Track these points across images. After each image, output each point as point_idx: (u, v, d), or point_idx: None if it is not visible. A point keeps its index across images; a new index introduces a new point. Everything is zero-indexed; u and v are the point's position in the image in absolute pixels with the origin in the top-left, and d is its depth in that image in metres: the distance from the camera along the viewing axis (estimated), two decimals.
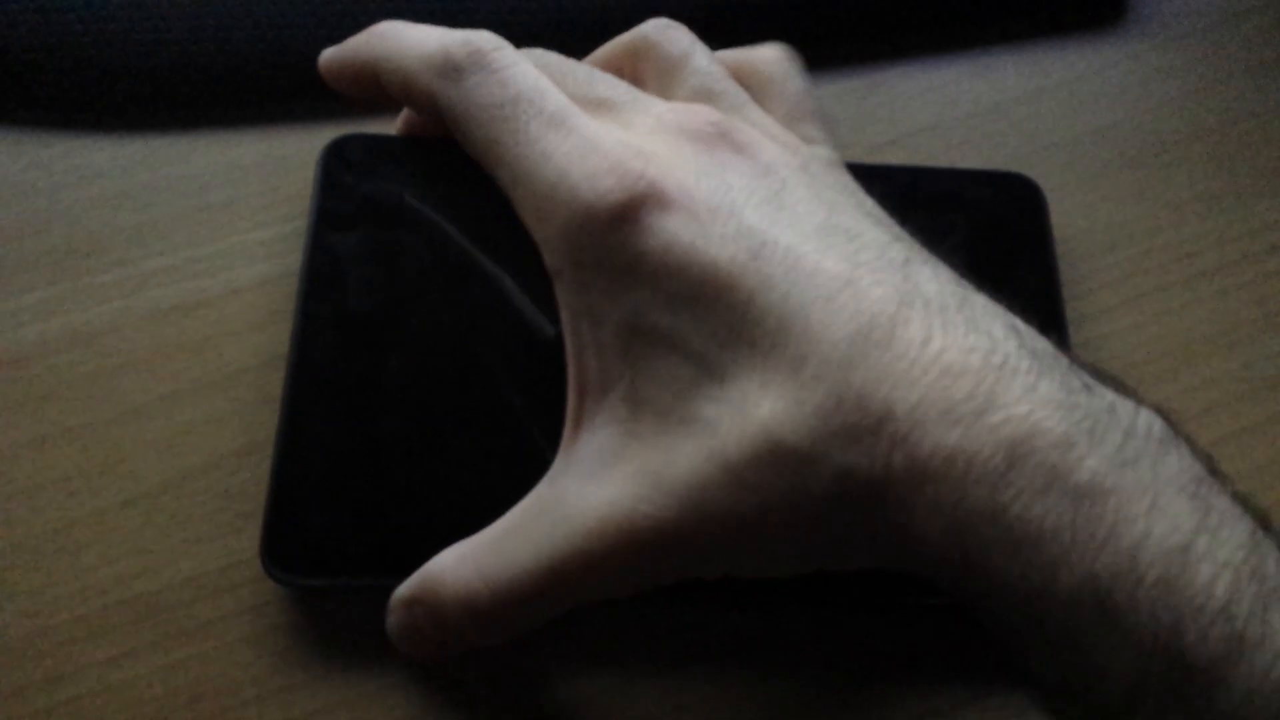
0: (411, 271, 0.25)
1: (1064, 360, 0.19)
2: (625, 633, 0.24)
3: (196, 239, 0.28)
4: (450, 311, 0.25)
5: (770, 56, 0.25)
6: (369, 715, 0.23)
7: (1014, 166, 0.30)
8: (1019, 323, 0.20)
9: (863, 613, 0.25)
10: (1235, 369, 0.28)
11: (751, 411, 0.19)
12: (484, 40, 0.23)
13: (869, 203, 0.23)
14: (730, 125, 0.22)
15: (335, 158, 0.27)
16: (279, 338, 0.26)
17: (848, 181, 0.23)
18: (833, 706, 0.24)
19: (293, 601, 0.24)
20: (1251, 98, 0.33)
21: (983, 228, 0.28)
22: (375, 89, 0.25)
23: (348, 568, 0.23)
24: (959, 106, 0.32)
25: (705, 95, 0.24)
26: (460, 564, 0.21)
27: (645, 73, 0.25)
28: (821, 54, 0.32)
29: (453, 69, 0.23)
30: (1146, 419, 0.18)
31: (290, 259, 0.28)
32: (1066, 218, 0.30)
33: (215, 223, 0.28)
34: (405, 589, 0.22)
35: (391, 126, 0.27)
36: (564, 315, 0.22)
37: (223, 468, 0.25)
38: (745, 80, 0.25)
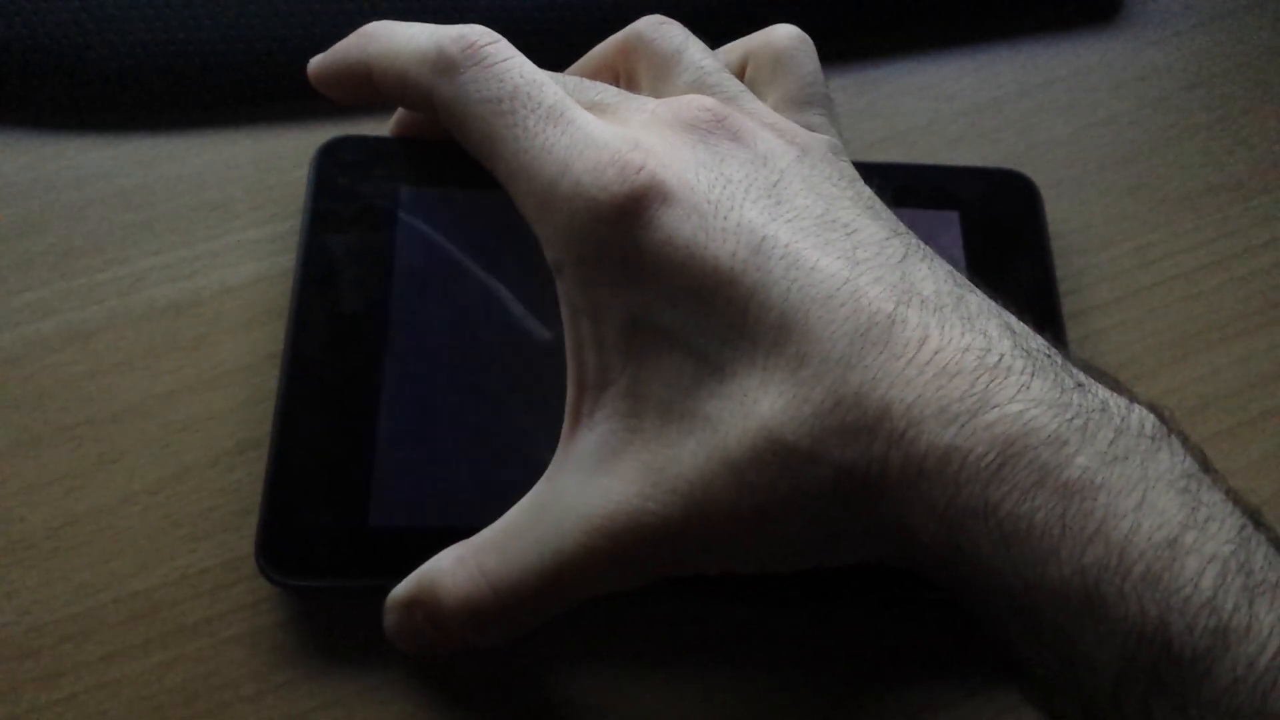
0: (405, 272, 0.25)
1: (1058, 358, 0.19)
2: (622, 627, 0.24)
3: (191, 238, 0.28)
4: (444, 311, 0.25)
5: (784, 36, 0.25)
6: (365, 712, 0.23)
7: (1010, 163, 0.30)
8: (1014, 321, 0.20)
9: (860, 607, 0.25)
10: (1231, 363, 0.28)
11: (752, 409, 0.19)
12: (478, 35, 0.23)
13: (867, 193, 0.23)
14: (725, 112, 0.22)
15: (329, 159, 0.27)
16: (274, 336, 0.27)
17: (846, 170, 0.23)
18: (830, 701, 0.24)
19: (288, 599, 0.24)
20: (1245, 93, 0.33)
21: (979, 225, 0.28)
22: (368, 92, 0.25)
23: (342, 569, 0.23)
24: (955, 103, 0.32)
25: (700, 88, 0.24)
26: (460, 565, 0.21)
27: (639, 70, 0.25)
28: (818, 51, 0.32)
29: (448, 65, 0.23)
30: (1139, 416, 0.18)
31: (285, 257, 0.28)
32: (1062, 214, 0.30)
33: (210, 222, 0.28)
34: (403, 590, 0.22)
35: (385, 127, 0.27)
36: (564, 311, 0.22)
37: (218, 465, 0.25)
38: (756, 58, 0.25)
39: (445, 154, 0.25)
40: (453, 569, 0.21)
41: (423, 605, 0.22)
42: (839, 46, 0.32)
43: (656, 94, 0.24)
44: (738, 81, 0.24)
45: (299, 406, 0.24)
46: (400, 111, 0.27)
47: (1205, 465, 0.18)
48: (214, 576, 0.24)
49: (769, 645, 0.24)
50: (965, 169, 0.29)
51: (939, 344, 0.19)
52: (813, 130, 0.24)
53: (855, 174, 0.23)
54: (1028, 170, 0.29)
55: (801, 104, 0.24)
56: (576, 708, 0.24)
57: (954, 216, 0.28)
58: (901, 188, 0.28)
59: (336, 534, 0.23)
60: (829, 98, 0.25)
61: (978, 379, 0.18)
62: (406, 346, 0.25)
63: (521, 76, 0.22)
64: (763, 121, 0.23)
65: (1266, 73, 0.33)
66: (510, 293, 0.25)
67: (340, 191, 0.26)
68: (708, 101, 0.22)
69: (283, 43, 0.30)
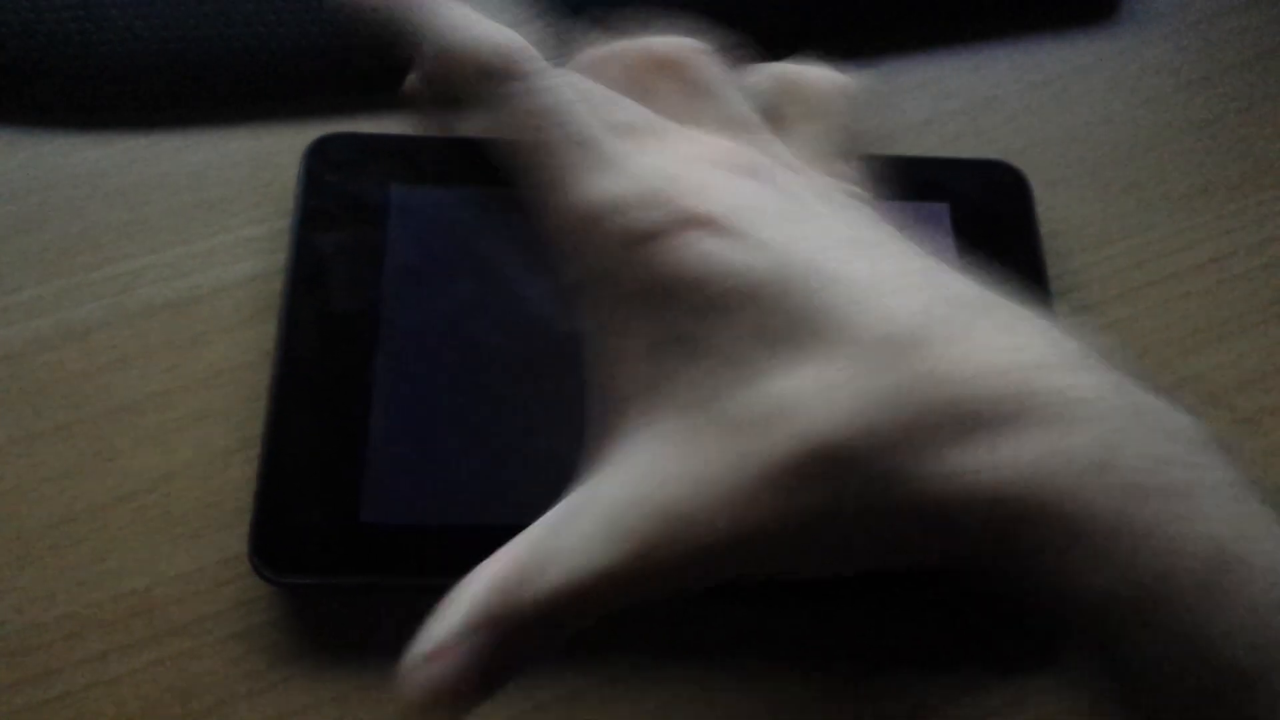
0: (396, 269, 0.25)
1: (1092, 357, 0.19)
2: (623, 627, 0.24)
3: (188, 236, 0.28)
4: (435, 308, 0.25)
5: (826, 81, 0.25)
6: (359, 710, 0.23)
7: (1008, 161, 0.30)
8: (1047, 324, 0.20)
9: (860, 607, 0.25)
10: (1229, 363, 0.28)
11: (787, 415, 0.19)
12: (521, 52, 0.23)
13: (890, 226, 0.23)
14: (752, 157, 0.22)
15: (319, 156, 0.27)
16: (270, 334, 0.26)
17: (871, 215, 0.23)
18: (826, 699, 0.24)
19: (283, 597, 0.24)
20: (1243, 91, 0.33)
21: (969, 217, 0.28)
22: (392, 39, 0.24)
23: (336, 566, 0.23)
24: (953, 101, 0.32)
25: (729, 126, 0.24)
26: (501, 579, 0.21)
27: (670, 91, 0.25)
28: (817, 49, 0.32)
29: (490, 74, 0.23)
30: (1185, 419, 0.18)
31: (280, 255, 0.28)
32: (1060, 212, 0.30)
33: (205, 220, 0.28)
34: (457, 618, 0.19)
35: (374, 124, 0.28)
36: (589, 326, 0.22)
37: (214, 464, 0.25)
38: (792, 96, 0.25)
39: (436, 151, 0.25)
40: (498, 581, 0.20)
41: (491, 623, 0.19)
42: (838, 44, 0.32)
43: (684, 123, 0.24)
44: (766, 126, 0.24)
45: (291, 405, 0.24)
46: (413, 75, 0.27)
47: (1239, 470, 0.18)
48: (209, 575, 0.24)
49: (769, 645, 0.24)
50: (954, 160, 0.29)
51: (969, 347, 0.19)
52: (843, 181, 0.24)
53: (878, 216, 0.23)
54: (1025, 168, 0.29)
55: (833, 153, 0.25)
56: (577, 707, 0.24)
57: (944, 208, 0.28)
58: (889, 179, 0.28)
59: (329, 532, 0.23)
60: (863, 147, 0.25)
61: (1018, 380, 0.18)
62: (398, 344, 0.25)
63: (557, 99, 0.22)
64: (790, 167, 0.23)
65: (1265, 71, 0.33)
66: (501, 290, 0.25)
67: (331, 189, 0.26)
68: (735, 147, 0.23)
69: (280, 41, 0.30)
